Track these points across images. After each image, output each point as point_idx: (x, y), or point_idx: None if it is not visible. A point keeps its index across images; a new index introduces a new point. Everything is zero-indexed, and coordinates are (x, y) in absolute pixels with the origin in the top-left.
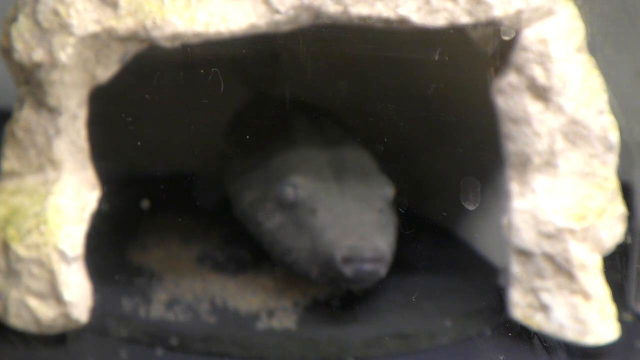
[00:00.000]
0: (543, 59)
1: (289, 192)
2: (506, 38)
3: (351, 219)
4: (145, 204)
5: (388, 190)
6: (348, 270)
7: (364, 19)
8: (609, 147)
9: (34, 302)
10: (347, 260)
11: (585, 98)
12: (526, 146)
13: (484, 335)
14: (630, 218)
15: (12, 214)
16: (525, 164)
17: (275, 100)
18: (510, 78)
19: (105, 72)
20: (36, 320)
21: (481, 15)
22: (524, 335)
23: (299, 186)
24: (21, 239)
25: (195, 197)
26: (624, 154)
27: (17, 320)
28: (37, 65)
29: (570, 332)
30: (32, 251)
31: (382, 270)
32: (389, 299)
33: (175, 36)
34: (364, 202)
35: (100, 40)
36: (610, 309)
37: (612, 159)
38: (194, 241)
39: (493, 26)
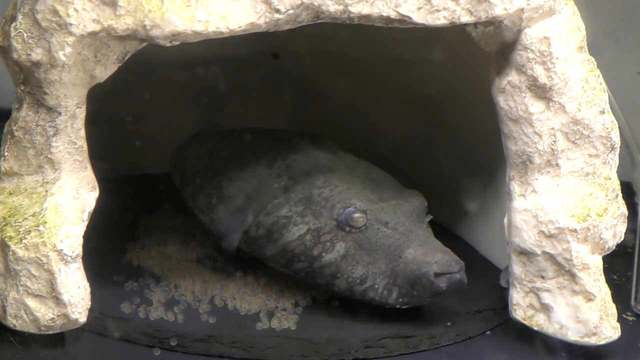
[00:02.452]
0: (544, 59)
1: (359, 218)
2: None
3: (418, 236)
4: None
5: (424, 203)
6: (442, 283)
7: (364, 18)
8: (610, 147)
9: (32, 303)
10: (439, 275)
11: (587, 98)
12: (527, 146)
13: (485, 336)
14: (631, 218)
15: (11, 214)
16: (526, 163)
17: (236, 132)
18: (511, 77)
19: (105, 72)
20: (35, 320)
21: (482, 15)
22: (525, 335)
23: (365, 210)
24: (20, 239)
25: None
26: (625, 153)
27: (16, 320)
28: (36, 65)
29: (571, 333)
30: (31, 251)
31: (465, 277)
32: None
33: (174, 35)
34: (413, 217)
35: (100, 40)
36: (612, 309)
37: (613, 159)
38: (193, 242)
39: (494, 25)
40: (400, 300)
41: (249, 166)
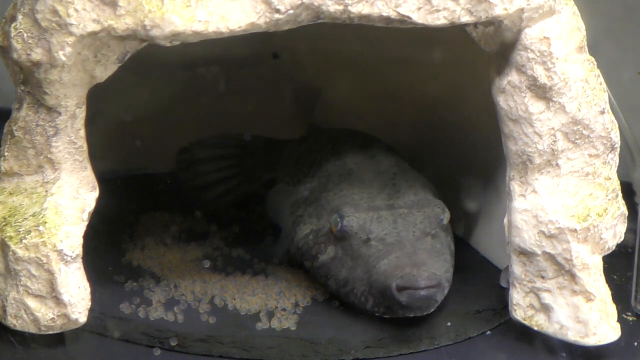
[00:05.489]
0: (544, 59)
1: (340, 224)
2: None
3: (404, 247)
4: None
5: (441, 215)
6: (403, 298)
7: (364, 18)
8: (610, 147)
9: (32, 303)
10: (402, 288)
11: (587, 98)
12: (527, 146)
13: (485, 336)
14: (631, 218)
15: (11, 214)
16: (526, 163)
17: (326, 131)
18: (511, 77)
19: (105, 72)
20: (35, 320)
21: (482, 15)
22: (525, 335)
23: (350, 217)
24: (20, 239)
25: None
26: (625, 153)
27: (16, 320)
28: (36, 65)
29: (571, 333)
30: (31, 251)
31: (438, 295)
32: None
33: (174, 35)
34: (417, 228)
35: (100, 40)
36: (612, 309)
37: (614, 159)
38: (193, 242)
39: (494, 25)
40: (376, 309)
41: (304, 167)
